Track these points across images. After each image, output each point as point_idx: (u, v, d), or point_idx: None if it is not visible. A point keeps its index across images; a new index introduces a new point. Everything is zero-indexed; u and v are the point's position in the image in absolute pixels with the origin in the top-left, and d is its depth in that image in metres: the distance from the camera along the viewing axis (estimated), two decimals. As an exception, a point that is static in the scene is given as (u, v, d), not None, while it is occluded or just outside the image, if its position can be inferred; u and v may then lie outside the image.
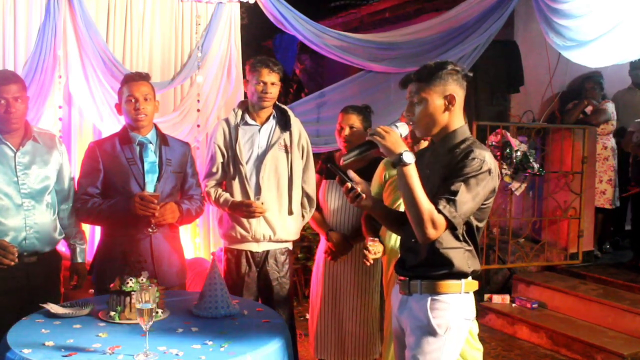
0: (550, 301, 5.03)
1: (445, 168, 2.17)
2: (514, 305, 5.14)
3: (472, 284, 2.22)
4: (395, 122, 2.33)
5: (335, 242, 3.36)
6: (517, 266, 5.48)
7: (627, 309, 4.46)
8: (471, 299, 2.24)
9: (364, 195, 2.24)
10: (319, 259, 3.52)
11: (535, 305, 5.01)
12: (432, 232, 2.07)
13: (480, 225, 2.22)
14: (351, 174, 2.28)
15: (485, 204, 2.18)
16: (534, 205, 5.64)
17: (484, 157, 2.12)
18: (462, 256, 2.17)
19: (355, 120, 3.38)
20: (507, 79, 5.77)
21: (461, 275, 2.18)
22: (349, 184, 2.24)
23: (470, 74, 2.25)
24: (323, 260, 3.46)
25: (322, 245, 3.48)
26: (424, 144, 2.99)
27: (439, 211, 2.07)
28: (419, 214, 2.07)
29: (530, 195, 5.65)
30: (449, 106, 2.18)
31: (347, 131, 3.37)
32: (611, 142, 5.76)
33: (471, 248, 2.20)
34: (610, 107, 5.75)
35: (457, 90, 2.19)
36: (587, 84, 5.93)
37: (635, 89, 5.98)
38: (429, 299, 2.17)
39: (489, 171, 2.12)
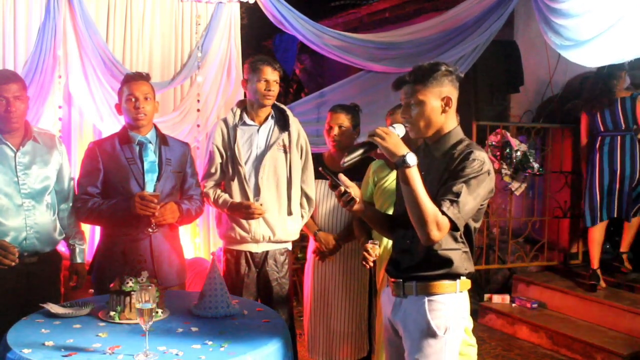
0: (550, 301, 5.03)
1: (443, 171, 2.15)
2: (514, 305, 5.14)
3: (466, 283, 2.22)
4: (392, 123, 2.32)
5: (323, 243, 3.37)
6: (517, 266, 5.48)
7: (627, 309, 4.46)
8: (466, 298, 2.25)
9: (357, 199, 2.21)
10: (309, 259, 3.54)
11: (535, 305, 5.01)
12: (436, 234, 2.05)
13: (477, 225, 2.23)
14: (342, 177, 2.24)
15: (482, 205, 2.18)
16: (534, 205, 5.64)
17: (484, 159, 2.12)
18: (460, 257, 2.17)
19: (344, 120, 3.38)
20: (507, 79, 5.76)
21: (456, 276, 2.18)
22: (342, 188, 2.19)
23: (462, 75, 2.24)
24: (312, 260, 3.48)
25: (312, 246, 3.50)
26: None
27: (443, 213, 2.05)
28: (423, 216, 2.04)
29: (530, 195, 5.65)
30: (446, 108, 2.17)
31: (336, 130, 3.38)
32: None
33: (467, 249, 2.20)
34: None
35: (452, 91, 2.18)
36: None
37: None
38: (426, 300, 2.17)
39: (488, 172, 2.12)
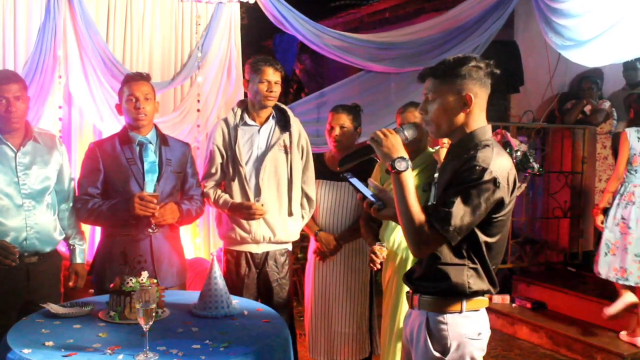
0: (550, 301, 5.04)
1: (452, 174, 1.97)
2: (514, 305, 5.15)
3: (477, 302, 2.03)
4: (402, 124, 2.26)
5: (324, 243, 3.37)
6: (517, 266, 5.48)
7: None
8: (478, 317, 2.05)
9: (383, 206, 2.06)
10: (310, 259, 3.53)
11: (535, 305, 5.01)
12: (423, 247, 1.94)
13: (491, 240, 1.98)
14: (372, 183, 2.17)
15: (496, 217, 1.95)
16: (534, 205, 5.64)
17: (488, 165, 1.88)
18: (461, 274, 1.97)
19: (346, 120, 3.38)
20: (507, 79, 5.77)
21: (460, 294, 1.98)
22: (369, 200, 2.07)
23: (497, 71, 2.03)
24: (313, 260, 3.48)
25: (312, 246, 3.50)
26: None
27: (431, 224, 1.90)
28: (410, 227, 1.92)
29: (530, 195, 5.66)
30: (465, 107, 1.98)
31: (337, 131, 3.38)
32: (611, 141, 5.77)
33: (476, 266, 1.98)
34: (609, 106, 5.76)
35: (477, 89, 1.98)
36: (585, 84, 5.93)
37: (629, 89, 5.98)
38: (425, 317, 2.03)
39: (494, 181, 1.88)
